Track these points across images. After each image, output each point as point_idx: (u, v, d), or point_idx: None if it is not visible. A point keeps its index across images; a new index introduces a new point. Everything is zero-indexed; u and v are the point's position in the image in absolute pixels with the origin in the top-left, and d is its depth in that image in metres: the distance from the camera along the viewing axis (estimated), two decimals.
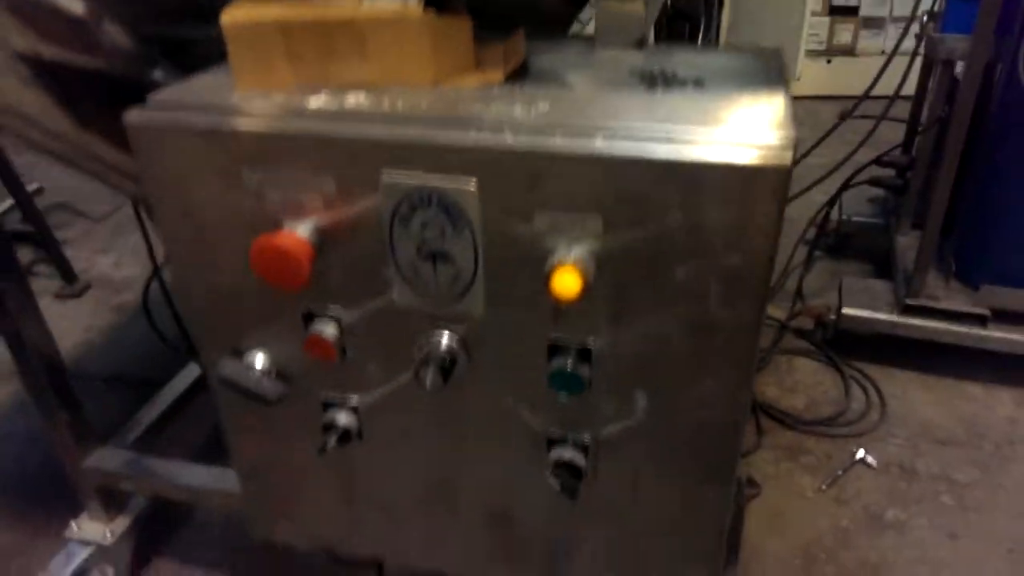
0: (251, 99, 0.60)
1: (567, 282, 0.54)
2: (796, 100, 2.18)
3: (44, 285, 2.51)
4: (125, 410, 1.53)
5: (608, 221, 0.54)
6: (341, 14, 0.59)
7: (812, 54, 3.56)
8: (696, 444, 0.63)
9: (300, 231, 0.58)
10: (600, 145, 0.51)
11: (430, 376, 0.61)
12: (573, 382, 0.60)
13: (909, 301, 1.84)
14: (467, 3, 0.65)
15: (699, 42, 1.43)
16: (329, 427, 0.69)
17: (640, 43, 0.70)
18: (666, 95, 0.59)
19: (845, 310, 1.91)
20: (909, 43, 1.97)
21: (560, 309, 0.58)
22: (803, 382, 1.93)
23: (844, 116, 2.15)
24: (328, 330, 0.64)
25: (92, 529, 1.37)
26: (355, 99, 0.59)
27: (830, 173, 2.14)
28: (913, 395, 1.86)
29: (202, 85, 0.63)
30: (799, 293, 2.15)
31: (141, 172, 0.60)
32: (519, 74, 0.63)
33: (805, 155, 2.14)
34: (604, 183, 0.52)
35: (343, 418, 0.69)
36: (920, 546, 1.49)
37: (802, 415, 1.80)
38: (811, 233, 2.28)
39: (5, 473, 1.72)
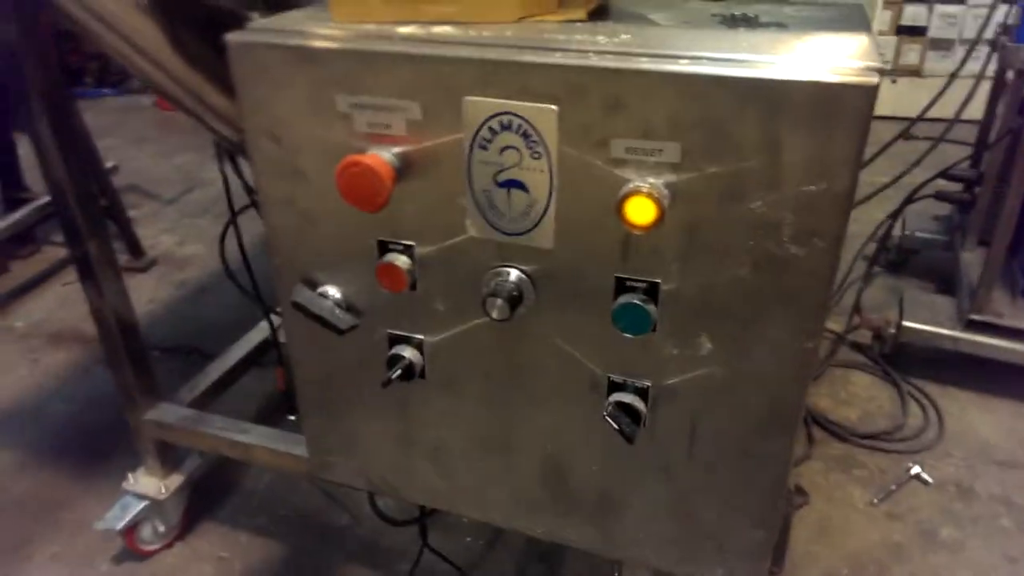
0: (344, 27, 0.62)
1: (641, 209, 0.54)
2: None
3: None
4: (179, 379, 1.58)
5: (686, 150, 0.54)
6: None
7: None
8: (759, 395, 0.62)
9: (384, 154, 0.60)
10: (683, 66, 0.51)
11: (498, 307, 0.62)
12: (639, 320, 0.60)
13: (973, 316, 1.78)
14: None
15: None
16: (395, 361, 0.70)
17: None
18: (748, 33, 0.59)
19: (906, 323, 1.86)
20: (975, 66, 1.93)
21: (631, 243, 0.58)
22: (858, 395, 1.88)
23: (904, 133, 2.11)
24: (400, 259, 0.65)
25: (148, 484, 1.41)
26: (442, 29, 0.61)
27: (889, 184, 2.09)
28: (972, 414, 1.80)
29: (299, 15, 0.66)
30: (857, 307, 2.10)
31: (238, 93, 0.63)
32: (601, 13, 0.64)
33: (863, 166, 2.11)
34: (685, 107, 0.52)
35: (408, 352, 0.70)
36: (976, 567, 1.43)
37: (856, 427, 1.75)
38: (870, 248, 2.23)
39: (63, 431, 1.78)
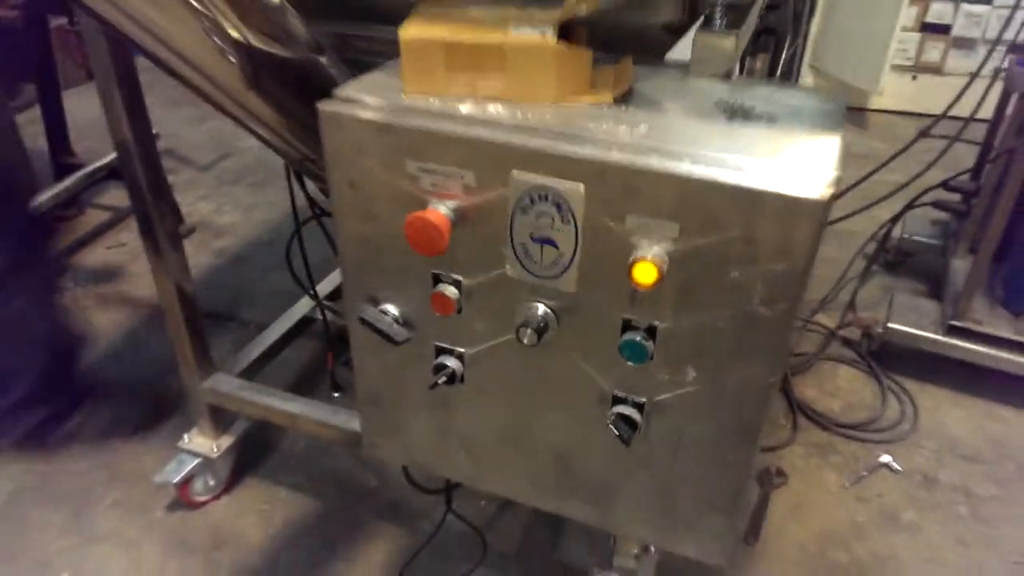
0: (415, 101, 0.77)
1: (646, 272, 0.70)
2: (876, 113, 2.36)
3: None
4: (217, 344, 1.75)
5: (683, 228, 0.69)
6: (492, 39, 0.75)
7: (898, 69, 3.57)
8: (730, 415, 0.78)
9: (443, 210, 0.75)
10: (685, 168, 0.67)
11: (528, 335, 0.78)
12: (639, 352, 0.76)
13: (953, 322, 1.94)
14: (588, 32, 0.81)
15: (784, 55, 1.55)
16: (440, 368, 0.87)
17: (728, 75, 0.85)
18: (742, 127, 0.74)
19: (892, 324, 2.02)
20: (996, 64, 2.04)
21: (636, 294, 0.74)
22: (843, 388, 2.05)
23: (923, 134, 2.23)
24: (450, 290, 0.81)
25: (201, 443, 1.60)
26: (495, 109, 0.76)
27: (892, 194, 2.23)
28: (946, 411, 1.97)
29: (375, 83, 0.80)
30: (852, 304, 2.26)
31: (324, 147, 0.78)
32: (626, 96, 0.79)
33: (876, 170, 2.25)
34: (684, 198, 0.67)
35: (452, 362, 0.86)
36: (929, 548, 1.62)
37: (837, 418, 1.92)
38: (871, 248, 2.38)
39: (116, 391, 1.96)
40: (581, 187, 0.71)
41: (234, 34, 0.82)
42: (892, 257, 2.42)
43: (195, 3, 0.86)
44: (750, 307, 0.70)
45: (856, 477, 1.77)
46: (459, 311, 0.83)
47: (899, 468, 1.79)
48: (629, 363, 0.78)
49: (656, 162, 0.68)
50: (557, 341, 0.81)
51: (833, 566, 1.56)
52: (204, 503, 1.65)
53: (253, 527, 1.61)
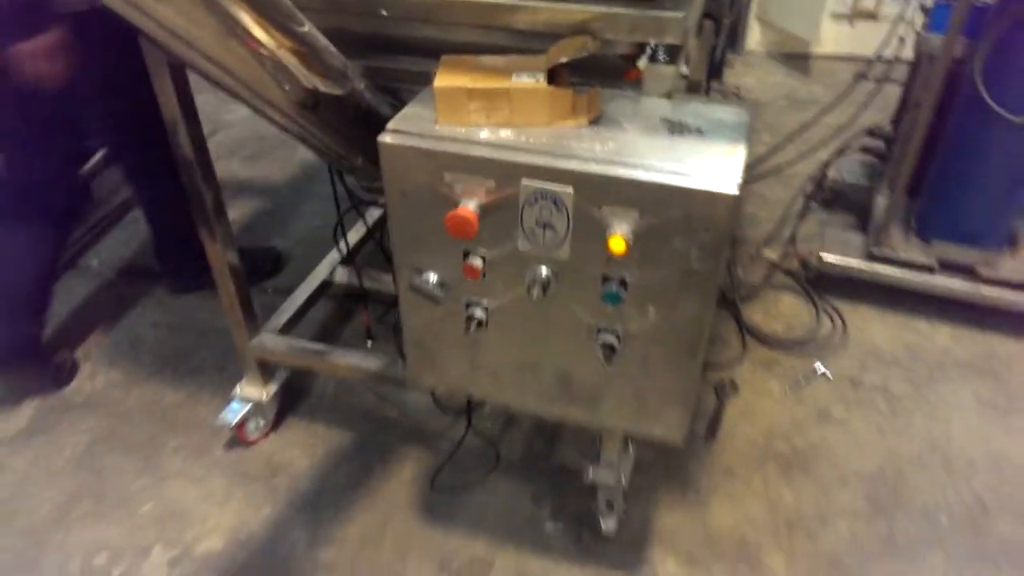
0: (446, 129, 1.09)
1: (617, 243, 1.04)
2: (819, 59, 2.84)
3: None
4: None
5: (641, 213, 1.03)
6: (500, 84, 1.07)
7: (836, 16, 3.89)
8: (679, 338, 1.14)
9: (471, 206, 1.08)
10: (640, 174, 1.00)
11: (535, 290, 1.13)
12: (615, 298, 1.11)
13: (874, 251, 2.33)
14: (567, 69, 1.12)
15: (722, 39, 1.87)
16: (470, 318, 1.21)
17: (670, 94, 1.18)
18: (680, 139, 1.07)
19: (824, 254, 2.40)
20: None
21: (611, 258, 1.08)
22: (784, 312, 2.44)
23: (859, 78, 2.58)
24: (477, 261, 1.15)
25: (252, 391, 1.94)
26: (504, 133, 1.08)
27: (822, 141, 2.60)
28: (870, 326, 2.37)
29: (414, 116, 1.12)
30: (792, 239, 2.64)
31: (383, 167, 1.10)
32: (597, 118, 1.11)
33: (826, 111, 2.62)
34: (640, 194, 1.01)
35: (479, 313, 1.21)
36: (854, 436, 2.03)
37: (779, 337, 2.32)
38: (810, 188, 2.75)
39: (159, 351, 2.28)
40: (571, 189, 1.05)
41: (306, 84, 1.12)
42: (827, 196, 2.80)
43: (263, 52, 1.14)
44: (688, 265, 1.05)
45: (795, 384, 2.18)
46: (483, 276, 1.17)
47: (831, 375, 2.20)
48: (608, 306, 1.13)
49: (621, 171, 1.02)
50: (556, 294, 1.15)
51: (776, 454, 1.97)
52: (256, 441, 2.00)
53: (300, 457, 1.97)
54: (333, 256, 2.24)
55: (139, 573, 1.71)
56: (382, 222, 1.96)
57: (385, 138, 1.09)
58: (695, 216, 1.00)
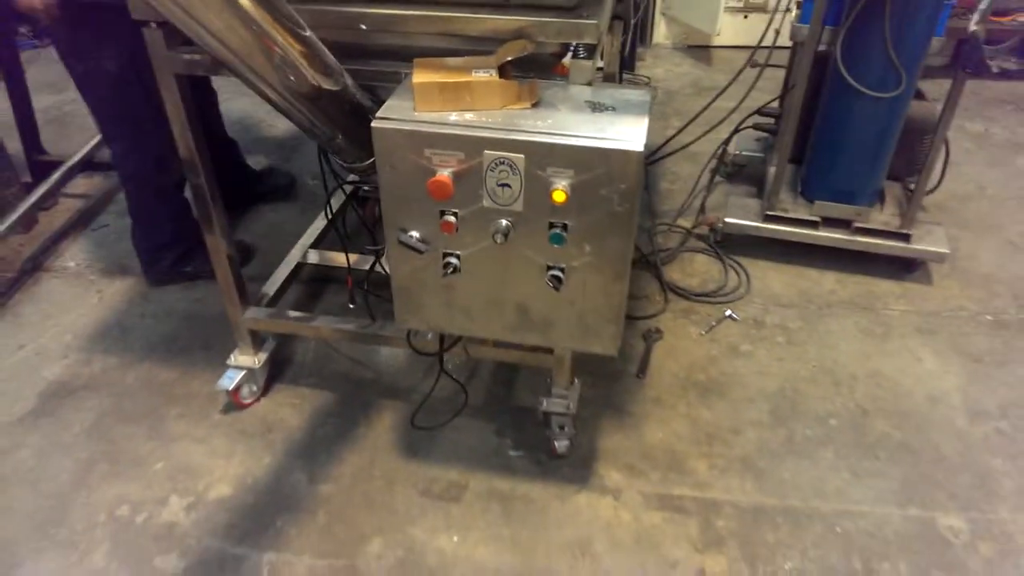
0: (423, 115, 1.42)
1: (559, 195, 1.39)
2: (719, 49, 3.41)
3: None
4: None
5: (576, 171, 1.38)
6: (463, 78, 1.40)
7: (732, 10, 4.36)
8: (610, 268, 1.50)
9: (447, 173, 1.41)
10: (572, 141, 1.36)
11: (499, 237, 1.46)
12: (559, 239, 1.46)
13: (768, 212, 2.76)
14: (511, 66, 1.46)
15: (629, 37, 2.24)
16: (447, 265, 1.54)
17: (590, 82, 1.53)
18: (600, 115, 1.43)
19: (728, 219, 2.82)
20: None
21: (555, 208, 1.43)
22: (698, 270, 2.85)
23: (740, 71, 3.00)
24: (451, 218, 1.48)
25: (245, 359, 2.21)
26: (469, 116, 1.42)
27: (721, 121, 3.02)
28: (770, 277, 2.80)
29: (396, 107, 1.44)
30: (702, 208, 3.06)
31: (375, 147, 1.42)
32: (537, 103, 1.46)
33: (720, 94, 3.02)
34: (574, 156, 1.36)
35: (453, 261, 1.54)
36: (758, 364, 2.45)
37: (695, 290, 2.72)
38: (714, 163, 3.17)
39: (148, 337, 2.53)
40: (522, 155, 1.39)
41: (312, 81, 1.42)
42: (729, 169, 3.23)
43: (277, 49, 1.42)
44: (612, 208, 1.41)
45: (709, 327, 2.58)
46: (457, 230, 1.50)
47: (738, 318, 2.62)
48: (555, 246, 1.47)
49: (559, 139, 1.36)
50: (514, 240, 1.49)
51: (696, 383, 2.37)
52: (250, 404, 2.27)
53: (291, 416, 2.25)
54: (304, 241, 2.53)
55: (159, 519, 1.97)
56: (355, 197, 2.26)
57: (377, 124, 1.41)
58: (614, 170, 1.36)
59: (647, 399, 2.31)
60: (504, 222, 1.47)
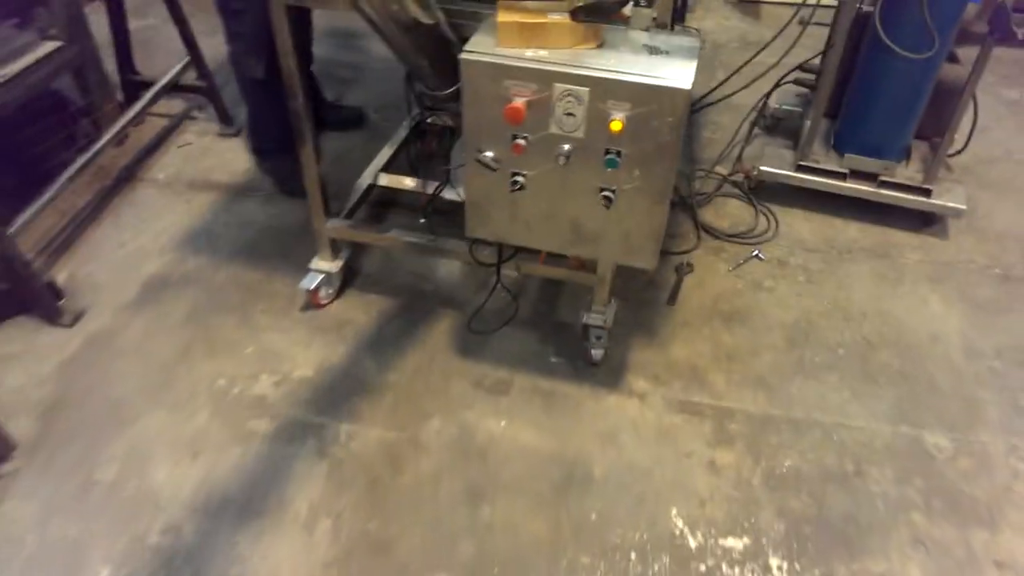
0: (505, 51, 1.69)
1: (616, 125, 1.66)
2: (765, 5, 3.69)
3: (208, 127, 3.54)
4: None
5: (632, 104, 1.65)
6: (540, 20, 1.67)
7: None
8: (655, 190, 1.77)
9: (520, 102, 1.69)
10: (631, 78, 1.62)
11: (561, 160, 1.74)
12: (614, 164, 1.74)
13: (801, 163, 2.99)
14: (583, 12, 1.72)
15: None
16: (515, 183, 1.82)
17: (647, 29, 1.78)
18: (656, 58, 1.69)
19: (763, 167, 3.06)
20: None
21: (612, 136, 1.70)
22: (731, 213, 3.10)
23: (794, 21, 3.18)
24: (522, 141, 1.76)
25: (324, 264, 2.54)
26: (543, 53, 1.68)
27: (763, 74, 3.23)
28: (798, 223, 3.05)
29: (482, 42, 1.71)
30: (739, 157, 3.29)
31: (462, 77, 1.70)
32: (601, 44, 1.72)
33: (759, 52, 3.22)
34: (631, 92, 1.63)
35: (521, 179, 1.82)
36: (779, 298, 2.72)
37: (726, 231, 2.98)
38: (754, 115, 3.38)
39: (234, 242, 2.86)
40: (587, 89, 1.66)
41: (412, 13, 1.70)
42: (768, 122, 3.44)
43: None
44: (661, 139, 1.68)
45: (736, 265, 2.85)
46: (526, 152, 1.78)
47: (764, 258, 2.88)
48: (609, 170, 1.75)
49: (619, 76, 1.63)
50: (574, 163, 1.77)
51: (720, 312, 2.65)
52: (326, 304, 2.61)
53: (360, 316, 2.58)
54: (376, 164, 2.83)
55: (252, 391, 2.33)
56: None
57: (464, 56, 1.69)
58: (664, 105, 1.63)
59: (675, 323, 2.60)
60: (567, 146, 1.75)
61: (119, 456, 2.14)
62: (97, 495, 2.05)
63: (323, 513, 2.01)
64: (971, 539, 1.97)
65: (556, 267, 2.30)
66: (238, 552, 1.92)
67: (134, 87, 3.42)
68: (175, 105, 3.64)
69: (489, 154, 1.81)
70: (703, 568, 1.91)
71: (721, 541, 1.97)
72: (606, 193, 1.80)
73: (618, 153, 1.73)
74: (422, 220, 2.45)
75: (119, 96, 3.41)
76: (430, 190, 2.49)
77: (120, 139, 3.31)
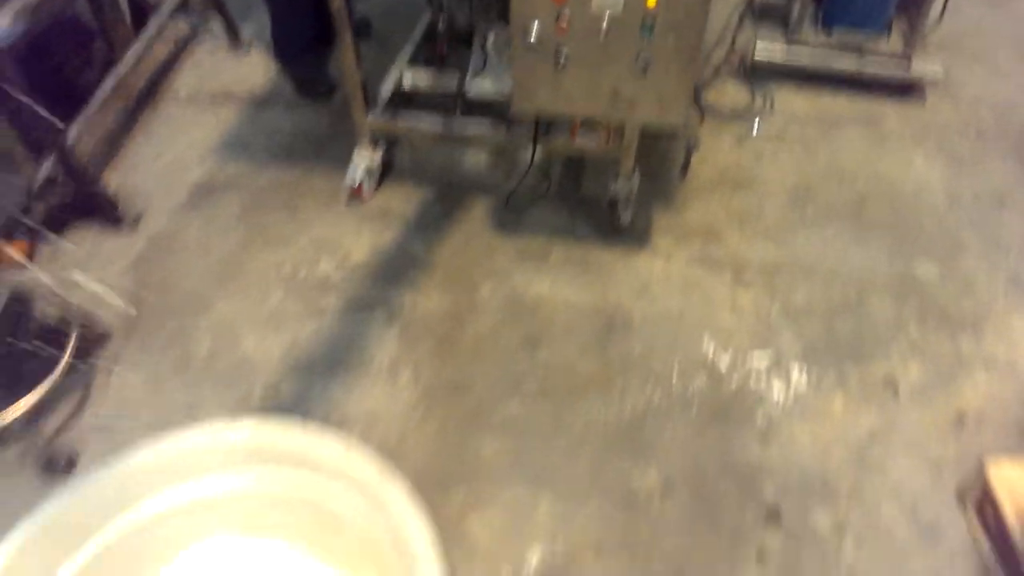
0: None
1: (651, 1, 1.96)
2: None
3: (216, 45, 3.71)
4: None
5: None
6: None
7: None
8: (685, 55, 2.08)
9: None
10: None
11: (602, 33, 2.03)
12: (649, 31, 2.03)
13: (791, 44, 3.30)
14: None
15: None
16: (557, 59, 2.11)
17: None
18: None
19: (757, 49, 3.36)
20: None
21: (647, 10, 1.99)
22: (730, 94, 3.41)
23: None
24: (565, 21, 2.03)
25: (365, 157, 2.80)
26: None
27: None
28: (791, 99, 3.37)
29: None
30: (733, 42, 3.58)
31: None
32: None
33: None
34: None
35: (564, 52, 2.11)
36: (779, 167, 3.06)
37: (727, 110, 3.30)
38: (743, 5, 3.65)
39: (269, 147, 3.10)
40: None
41: None
42: (758, 10, 3.72)
43: None
44: (688, 14, 1.97)
45: (739, 140, 3.18)
46: (568, 27, 2.06)
47: (762, 132, 3.21)
48: (645, 37, 2.04)
49: None
50: (615, 33, 2.05)
51: (728, 180, 2.99)
52: (368, 198, 2.88)
53: (401, 205, 2.87)
54: (400, 64, 3.08)
55: (316, 274, 2.62)
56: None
57: None
58: None
59: (688, 193, 2.94)
60: (606, 21, 2.03)
61: (208, 334, 2.44)
62: (196, 366, 2.35)
63: (402, 364, 2.35)
64: (960, 344, 2.39)
65: (584, 143, 2.61)
66: (334, 402, 2.25)
67: (140, 11, 3.56)
68: (180, 29, 3.80)
69: (535, 32, 2.09)
70: (735, 377, 2.30)
71: (748, 359, 2.35)
72: (644, 59, 2.09)
73: (652, 22, 2.02)
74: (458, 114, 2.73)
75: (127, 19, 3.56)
76: (454, 87, 2.76)
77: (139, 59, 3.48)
